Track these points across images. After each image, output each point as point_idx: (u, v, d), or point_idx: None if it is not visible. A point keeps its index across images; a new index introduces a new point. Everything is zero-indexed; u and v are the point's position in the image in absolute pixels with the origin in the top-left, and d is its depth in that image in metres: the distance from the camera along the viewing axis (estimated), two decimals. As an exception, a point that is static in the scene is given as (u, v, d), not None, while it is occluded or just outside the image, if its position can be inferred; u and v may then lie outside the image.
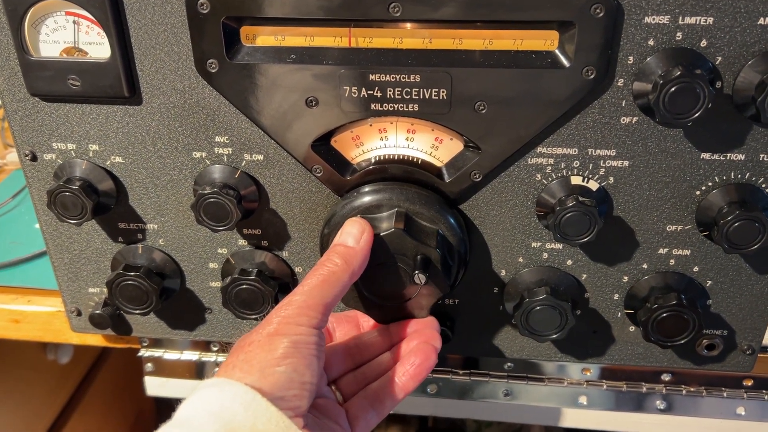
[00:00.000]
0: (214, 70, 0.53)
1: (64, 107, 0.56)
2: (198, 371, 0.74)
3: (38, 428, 1.05)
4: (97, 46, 0.53)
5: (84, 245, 0.63)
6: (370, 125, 0.56)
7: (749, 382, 0.68)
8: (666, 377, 0.69)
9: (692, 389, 0.69)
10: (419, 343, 0.53)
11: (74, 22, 0.53)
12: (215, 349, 0.73)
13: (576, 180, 0.55)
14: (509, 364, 0.70)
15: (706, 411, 0.70)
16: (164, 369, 0.74)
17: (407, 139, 0.56)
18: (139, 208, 0.60)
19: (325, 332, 0.48)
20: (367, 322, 0.58)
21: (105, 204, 0.59)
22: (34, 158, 0.59)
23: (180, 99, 0.55)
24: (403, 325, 0.56)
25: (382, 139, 0.56)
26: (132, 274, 0.60)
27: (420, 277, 0.51)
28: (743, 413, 0.70)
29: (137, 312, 0.62)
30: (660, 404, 0.70)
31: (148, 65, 0.54)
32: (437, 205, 0.55)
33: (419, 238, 0.53)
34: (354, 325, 0.58)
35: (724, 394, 0.69)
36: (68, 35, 0.53)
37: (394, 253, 0.53)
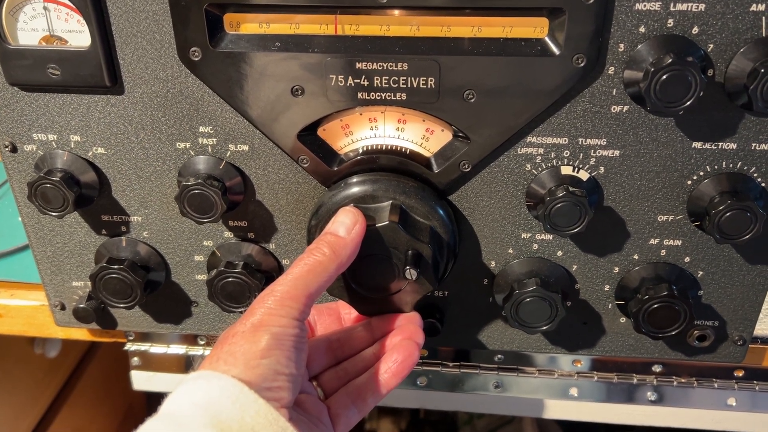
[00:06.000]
0: (197, 59, 0.51)
1: (44, 97, 0.55)
2: (185, 365, 0.73)
3: (26, 423, 1.04)
4: (77, 34, 0.52)
5: (67, 238, 0.62)
6: (360, 114, 0.55)
7: (740, 373, 0.68)
8: (657, 368, 0.69)
9: (683, 380, 0.69)
10: (402, 340, 0.53)
11: (53, 9, 0.51)
12: (202, 342, 0.72)
13: (566, 170, 0.54)
14: (499, 356, 0.70)
15: (697, 402, 0.70)
16: (151, 363, 0.73)
17: (397, 129, 0.55)
18: (122, 200, 0.59)
19: (306, 324, 0.48)
20: (348, 315, 0.57)
21: (87, 196, 0.58)
22: (14, 149, 0.58)
23: (163, 88, 0.54)
24: (385, 320, 0.55)
25: (372, 128, 0.55)
26: (115, 267, 0.59)
27: (411, 273, 0.51)
28: (734, 404, 0.70)
29: (121, 306, 0.61)
30: (651, 395, 0.70)
31: (129, 53, 0.52)
32: (432, 200, 0.54)
33: (413, 233, 0.52)
34: (335, 318, 0.57)
35: (715, 385, 0.69)
36: (47, 23, 0.52)
37: (385, 246, 0.52)
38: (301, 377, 0.46)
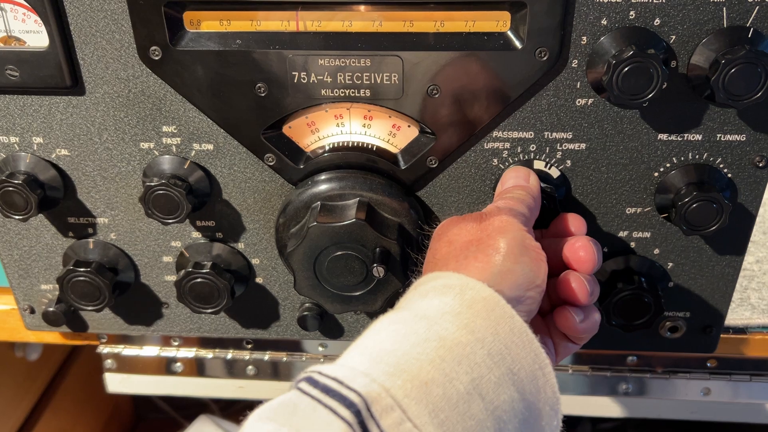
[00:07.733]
0: (157, 58, 0.51)
1: (4, 99, 0.54)
2: (159, 366, 0.73)
3: (8, 426, 1.03)
4: (35, 35, 0.51)
5: (34, 241, 0.61)
6: (326, 111, 0.54)
7: (713, 363, 0.68)
8: (631, 360, 0.69)
9: (657, 371, 0.69)
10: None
11: (9, 9, 0.51)
12: (176, 343, 0.72)
13: (538, 165, 0.54)
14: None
15: (671, 392, 0.70)
16: (125, 365, 0.73)
17: (364, 125, 0.55)
18: (88, 201, 0.59)
19: None
20: None
21: (52, 198, 0.57)
22: (-24, 152, 0.57)
23: (124, 88, 0.53)
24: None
25: (338, 125, 0.55)
26: (82, 269, 0.58)
27: (379, 270, 0.50)
28: (708, 394, 0.70)
29: (90, 308, 0.60)
30: (625, 387, 0.70)
31: (89, 53, 0.52)
32: (399, 196, 0.54)
33: (380, 230, 0.52)
34: None
35: (689, 376, 0.69)
36: (3, 24, 0.51)
37: (353, 244, 0.51)
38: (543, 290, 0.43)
